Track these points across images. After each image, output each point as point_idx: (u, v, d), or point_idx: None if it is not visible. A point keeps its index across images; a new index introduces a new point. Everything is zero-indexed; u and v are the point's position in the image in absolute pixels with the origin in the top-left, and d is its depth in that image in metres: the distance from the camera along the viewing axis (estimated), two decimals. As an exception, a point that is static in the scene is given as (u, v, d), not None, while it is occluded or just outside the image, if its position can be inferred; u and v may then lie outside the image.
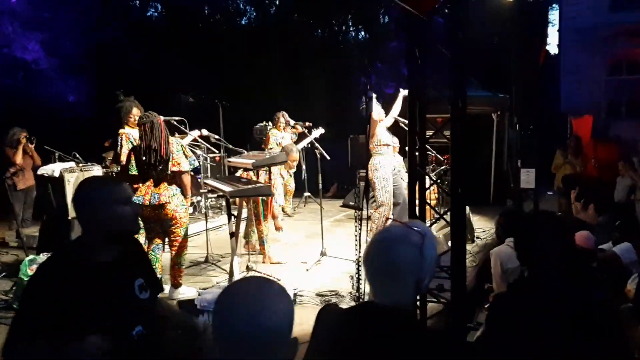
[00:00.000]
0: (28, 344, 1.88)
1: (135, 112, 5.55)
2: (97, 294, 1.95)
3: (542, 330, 2.06)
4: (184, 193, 5.24)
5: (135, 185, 5.12)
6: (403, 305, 1.68)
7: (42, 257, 5.18)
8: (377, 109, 6.86)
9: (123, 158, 5.60)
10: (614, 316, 2.13)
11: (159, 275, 5.14)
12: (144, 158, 5.02)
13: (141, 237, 5.77)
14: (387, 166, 6.82)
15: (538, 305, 2.10)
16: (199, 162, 8.61)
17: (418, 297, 4.15)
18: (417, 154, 4.22)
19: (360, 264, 4.70)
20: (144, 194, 5.03)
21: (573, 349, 2.03)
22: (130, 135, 5.78)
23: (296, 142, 8.78)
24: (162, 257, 5.27)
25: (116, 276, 2.05)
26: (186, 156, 5.19)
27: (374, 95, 6.93)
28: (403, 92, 6.94)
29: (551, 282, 2.13)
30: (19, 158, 7.71)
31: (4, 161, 7.75)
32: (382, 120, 6.90)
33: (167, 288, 5.21)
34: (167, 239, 5.31)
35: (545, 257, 2.14)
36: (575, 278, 2.14)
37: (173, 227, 5.14)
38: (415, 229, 1.70)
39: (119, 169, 5.86)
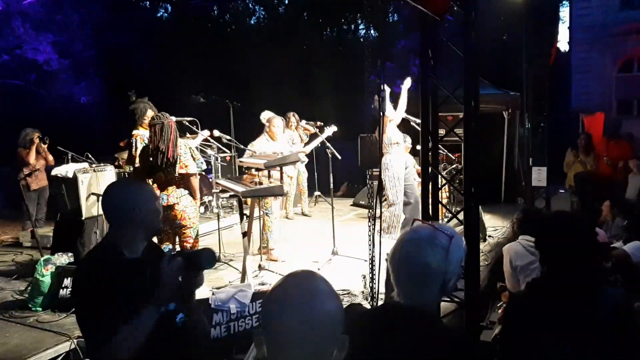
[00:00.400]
0: (109, 329, 1.92)
1: (150, 114, 5.58)
2: (138, 286, 2.03)
3: (563, 331, 2.05)
4: (192, 195, 5.23)
5: None
6: (428, 306, 1.69)
7: (57, 257, 5.22)
8: (389, 108, 6.84)
9: (137, 159, 5.68)
10: (632, 316, 2.13)
11: None
12: (151, 159, 5.03)
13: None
14: (398, 165, 6.81)
15: (559, 306, 2.10)
16: (209, 163, 8.65)
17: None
18: (429, 153, 4.22)
19: (373, 263, 4.71)
20: None
21: (594, 351, 2.03)
22: (144, 137, 5.83)
23: (308, 142, 8.80)
24: None
25: (150, 269, 2.12)
26: (194, 159, 5.18)
27: (388, 92, 6.89)
28: (407, 84, 6.87)
29: (574, 284, 2.12)
30: (32, 158, 7.77)
31: (18, 162, 7.81)
32: (393, 119, 6.90)
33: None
34: (177, 240, 5.33)
35: (568, 259, 2.14)
36: (595, 279, 2.14)
37: (183, 229, 5.15)
38: (442, 230, 1.72)
39: (131, 169, 5.92)
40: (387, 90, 6.84)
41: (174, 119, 5.24)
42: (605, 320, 2.05)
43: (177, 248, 5.31)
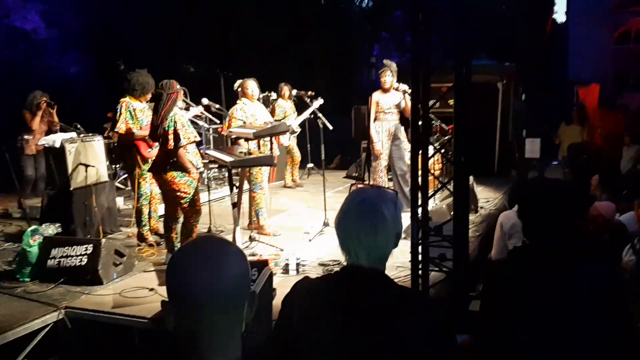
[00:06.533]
0: None
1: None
2: None
3: (542, 302, 2.02)
4: (182, 168, 5.10)
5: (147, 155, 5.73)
6: (379, 265, 1.74)
7: (44, 227, 5.18)
8: (389, 79, 6.90)
9: (119, 125, 5.74)
10: (617, 289, 2.09)
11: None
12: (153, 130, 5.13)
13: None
14: (382, 132, 6.98)
15: (538, 276, 2.06)
16: (200, 134, 8.54)
17: (420, 266, 4.14)
18: (420, 123, 4.16)
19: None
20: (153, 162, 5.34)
21: (574, 323, 2.00)
22: (130, 104, 5.80)
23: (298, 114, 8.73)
24: (176, 226, 5.34)
25: None
26: (178, 132, 5.02)
27: (392, 64, 7.00)
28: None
29: (553, 254, 2.08)
30: (35, 124, 7.68)
31: (21, 124, 7.73)
32: (381, 89, 6.97)
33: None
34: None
35: (547, 227, 2.10)
36: (578, 250, 2.10)
37: (178, 198, 5.12)
38: (385, 188, 1.83)
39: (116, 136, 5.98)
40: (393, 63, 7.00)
41: (177, 87, 5.15)
42: (588, 293, 2.01)
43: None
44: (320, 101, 7.92)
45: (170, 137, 4.98)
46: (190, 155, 5.14)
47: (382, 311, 1.64)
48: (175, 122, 5.00)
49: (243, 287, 1.32)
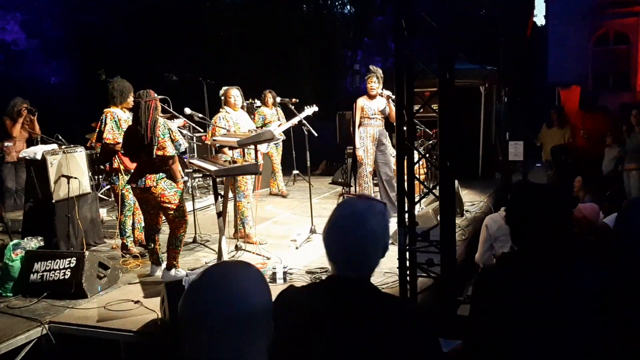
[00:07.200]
0: None
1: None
2: None
3: (532, 305, 2.02)
4: (172, 177, 5.10)
5: (130, 166, 5.42)
6: (364, 275, 1.73)
7: (26, 241, 5.10)
8: (375, 85, 6.94)
9: (106, 135, 5.65)
10: (608, 288, 2.09)
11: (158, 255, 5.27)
12: (132, 140, 4.97)
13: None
14: (367, 138, 6.99)
15: (528, 279, 2.06)
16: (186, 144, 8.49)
17: (408, 272, 4.13)
18: (404, 128, 4.16)
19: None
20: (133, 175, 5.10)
21: (566, 324, 2.00)
22: (115, 114, 5.74)
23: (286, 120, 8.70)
24: (158, 237, 5.29)
25: None
26: (173, 140, 5.02)
27: (378, 70, 7.03)
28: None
29: (542, 256, 2.08)
30: (16, 131, 7.55)
31: (1, 132, 7.62)
32: (367, 95, 6.99)
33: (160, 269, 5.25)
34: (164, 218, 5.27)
35: (534, 230, 2.10)
36: (567, 253, 2.10)
37: (166, 210, 5.06)
38: (374, 199, 1.81)
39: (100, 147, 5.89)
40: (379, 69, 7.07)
41: (156, 97, 5.09)
42: (578, 293, 2.02)
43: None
44: (314, 108, 7.92)
45: (168, 143, 4.93)
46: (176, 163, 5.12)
47: (368, 320, 1.63)
48: (169, 129, 4.99)
49: (261, 316, 1.32)
